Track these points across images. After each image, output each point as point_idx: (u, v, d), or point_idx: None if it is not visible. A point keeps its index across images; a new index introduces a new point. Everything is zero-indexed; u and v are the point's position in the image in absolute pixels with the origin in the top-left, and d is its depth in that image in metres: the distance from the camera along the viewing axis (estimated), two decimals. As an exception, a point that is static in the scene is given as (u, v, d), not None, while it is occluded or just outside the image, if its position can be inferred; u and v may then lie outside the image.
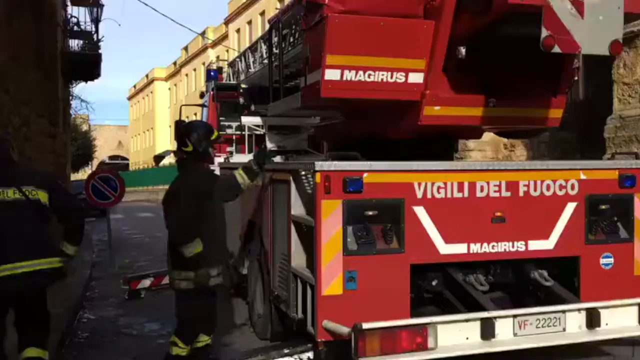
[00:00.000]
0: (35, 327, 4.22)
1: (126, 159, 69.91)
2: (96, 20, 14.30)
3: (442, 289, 4.71)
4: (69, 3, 14.23)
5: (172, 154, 5.01)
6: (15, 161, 4.36)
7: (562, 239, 4.77)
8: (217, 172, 8.31)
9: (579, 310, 4.46)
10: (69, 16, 14.19)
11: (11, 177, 4.13)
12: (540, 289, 4.81)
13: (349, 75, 4.84)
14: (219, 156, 8.73)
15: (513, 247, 4.66)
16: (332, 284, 4.21)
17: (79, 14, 14.20)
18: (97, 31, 14.29)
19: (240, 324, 6.75)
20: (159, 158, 8.17)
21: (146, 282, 8.40)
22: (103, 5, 14.48)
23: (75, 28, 14.24)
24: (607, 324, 4.46)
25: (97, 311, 7.91)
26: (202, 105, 10.97)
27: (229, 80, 10.98)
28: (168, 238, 4.52)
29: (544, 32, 4.08)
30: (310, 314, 4.43)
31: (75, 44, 14.35)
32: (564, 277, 4.87)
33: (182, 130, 4.64)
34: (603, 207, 4.88)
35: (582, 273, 4.82)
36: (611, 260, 4.88)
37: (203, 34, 40.87)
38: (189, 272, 4.41)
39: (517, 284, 4.91)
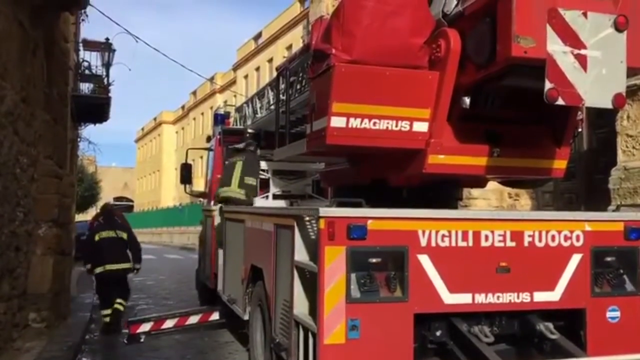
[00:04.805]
0: (121, 292, 9.22)
1: (131, 200, 70.06)
2: (107, 65, 14.54)
3: (446, 339, 4.61)
4: (81, 47, 14.51)
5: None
6: (115, 218, 9.59)
7: (568, 291, 4.70)
8: (217, 215, 8.35)
9: (585, 364, 4.37)
10: (81, 60, 14.45)
11: (113, 226, 9.32)
12: (545, 342, 4.72)
13: (355, 122, 4.89)
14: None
15: (518, 298, 4.60)
16: (334, 332, 4.15)
17: (91, 58, 14.37)
18: (107, 75, 14.52)
19: (240, 372, 6.63)
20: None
21: (146, 326, 8.29)
22: (115, 50, 14.76)
23: (87, 72, 14.47)
24: (614, 379, 4.37)
25: (95, 355, 7.80)
26: (209, 149, 11.07)
27: (236, 125, 11.11)
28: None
29: (548, 85, 4.12)
30: (311, 363, 4.35)
31: (85, 87, 14.57)
32: (570, 330, 4.78)
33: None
34: (608, 259, 4.83)
35: (589, 326, 4.74)
36: (618, 313, 4.80)
37: (212, 79, 41.53)
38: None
39: (523, 336, 4.81)
